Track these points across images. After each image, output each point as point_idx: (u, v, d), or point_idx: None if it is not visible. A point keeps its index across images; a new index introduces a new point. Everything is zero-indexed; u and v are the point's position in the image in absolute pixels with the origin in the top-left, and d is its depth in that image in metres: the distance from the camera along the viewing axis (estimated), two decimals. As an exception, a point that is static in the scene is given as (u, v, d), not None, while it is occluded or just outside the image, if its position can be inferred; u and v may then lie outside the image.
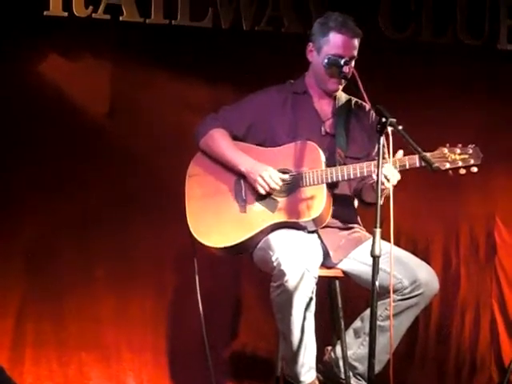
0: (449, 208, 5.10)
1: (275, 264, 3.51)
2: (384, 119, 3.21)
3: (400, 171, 3.50)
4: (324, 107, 3.89)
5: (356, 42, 3.76)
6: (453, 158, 3.49)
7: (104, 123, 4.76)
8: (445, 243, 5.18)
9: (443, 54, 5.10)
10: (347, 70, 3.69)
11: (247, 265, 3.97)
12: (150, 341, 4.79)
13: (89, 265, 4.71)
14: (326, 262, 3.74)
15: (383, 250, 3.20)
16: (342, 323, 3.77)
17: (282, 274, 3.48)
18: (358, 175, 3.63)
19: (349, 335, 3.76)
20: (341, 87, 3.85)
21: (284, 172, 3.73)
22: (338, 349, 3.78)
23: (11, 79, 4.60)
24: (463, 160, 3.49)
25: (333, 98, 3.90)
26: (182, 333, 4.75)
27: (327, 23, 3.77)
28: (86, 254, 4.71)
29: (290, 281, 3.47)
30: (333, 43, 3.74)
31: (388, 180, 3.40)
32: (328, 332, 3.87)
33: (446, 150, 3.51)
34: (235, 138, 3.87)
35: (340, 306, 3.80)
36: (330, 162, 3.71)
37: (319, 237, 3.75)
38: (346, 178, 3.65)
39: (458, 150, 3.51)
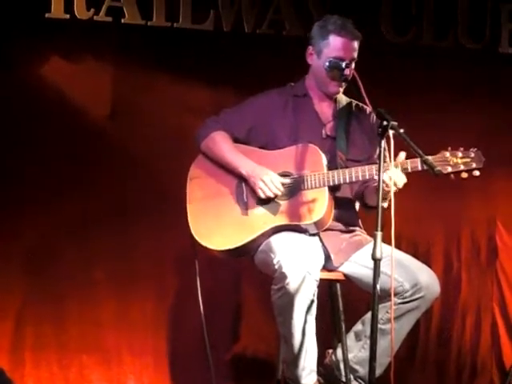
0: (450, 211, 5.11)
1: (276, 267, 3.51)
2: (385, 123, 3.21)
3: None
4: (324, 110, 3.89)
5: (356, 44, 3.76)
6: (455, 161, 3.49)
7: (105, 125, 4.77)
8: (446, 246, 5.18)
9: (444, 58, 5.11)
10: (348, 73, 3.69)
11: (248, 267, 3.97)
12: (151, 344, 4.79)
13: (89, 267, 4.71)
14: (327, 265, 3.74)
15: (384, 253, 3.20)
16: (343, 326, 3.77)
17: (284, 276, 3.47)
18: (360, 178, 3.63)
19: (350, 338, 3.76)
20: (341, 90, 3.85)
21: (285, 175, 3.73)
22: (339, 352, 3.78)
23: (13, 81, 4.60)
24: (465, 164, 3.49)
25: (333, 100, 3.89)
26: (183, 335, 4.75)
27: (326, 26, 3.77)
28: (87, 256, 4.71)
29: (292, 283, 3.47)
30: (333, 46, 3.74)
31: (395, 183, 3.41)
32: (329, 335, 3.86)
33: (447, 154, 3.51)
34: (236, 140, 3.87)
35: (341, 308, 3.80)
36: (332, 165, 3.71)
37: (320, 240, 3.75)
38: (347, 181, 3.65)
39: (460, 154, 3.51)
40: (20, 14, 4.58)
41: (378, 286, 3.18)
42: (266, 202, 3.72)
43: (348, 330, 3.78)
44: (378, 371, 3.44)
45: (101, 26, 4.70)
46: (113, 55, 4.74)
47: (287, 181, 3.71)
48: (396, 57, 5.02)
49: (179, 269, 4.76)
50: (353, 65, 3.74)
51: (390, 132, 3.20)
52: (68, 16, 4.64)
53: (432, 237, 5.15)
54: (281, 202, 3.71)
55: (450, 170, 3.49)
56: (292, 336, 3.55)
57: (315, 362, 3.65)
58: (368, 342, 3.43)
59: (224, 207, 3.78)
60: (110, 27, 4.72)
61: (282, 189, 3.69)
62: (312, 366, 3.63)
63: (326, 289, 3.82)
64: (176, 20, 4.79)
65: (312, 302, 3.53)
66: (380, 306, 3.36)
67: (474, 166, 3.49)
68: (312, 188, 3.66)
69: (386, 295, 3.40)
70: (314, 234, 3.73)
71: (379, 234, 3.19)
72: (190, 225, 3.79)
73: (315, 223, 3.66)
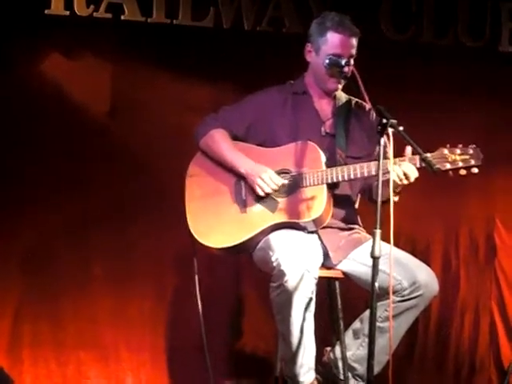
0: (449, 209, 5.11)
1: (275, 264, 3.51)
2: (384, 120, 3.21)
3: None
4: (324, 107, 3.88)
5: (354, 40, 3.75)
6: (453, 158, 3.49)
7: (105, 123, 4.77)
8: (445, 244, 5.18)
9: (444, 56, 5.10)
10: (347, 70, 3.69)
11: (247, 265, 3.98)
12: (149, 340, 4.80)
13: (87, 265, 4.72)
14: (326, 263, 3.74)
15: (383, 251, 3.20)
16: (342, 324, 3.77)
17: (282, 274, 3.47)
18: (359, 176, 3.63)
19: (348, 336, 3.76)
20: (340, 86, 3.84)
21: (284, 172, 3.73)
22: (338, 350, 3.78)
23: (12, 78, 4.61)
24: (464, 161, 3.49)
25: (332, 97, 3.89)
26: (181, 333, 4.75)
27: (324, 23, 3.77)
28: (84, 253, 4.72)
29: (290, 281, 3.46)
30: (331, 43, 3.74)
31: (407, 177, 3.44)
32: (327, 333, 3.86)
33: (446, 151, 3.51)
34: (235, 137, 3.86)
35: (339, 306, 3.80)
36: (331, 163, 3.70)
37: (319, 237, 3.74)
38: (346, 178, 3.64)
39: (459, 151, 3.51)
40: (20, 10, 4.58)
41: (377, 284, 3.18)
42: (264, 199, 3.72)
43: (346, 327, 3.77)
44: (377, 369, 3.43)
45: (100, 22, 4.70)
46: (112, 52, 4.74)
47: (285, 181, 3.71)
48: (396, 54, 5.02)
49: (178, 266, 4.76)
50: (352, 61, 3.73)
51: (390, 130, 3.20)
52: (68, 12, 4.64)
53: (431, 235, 5.16)
54: (279, 200, 3.71)
55: (448, 166, 3.49)
56: (290, 333, 3.55)
57: (313, 359, 3.64)
58: (366, 339, 3.43)
59: (223, 205, 3.77)
60: (110, 24, 4.72)
61: (280, 185, 3.69)
62: (310, 363, 3.63)
63: (325, 286, 3.82)
64: (176, 17, 4.79)
65: (310, 299, 3.53)
66: (378, 304, 3.38)
67: (472, 162, 3.49)
68: (311, 185, 3.66)
69: (384, 293, 3.41)
70: (312, 232, 3.72)
71: (378, 232, 3.18)
72: (189, 223, 3.79)
73: (314, 221, 3.66)
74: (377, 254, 3.18)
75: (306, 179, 3.67)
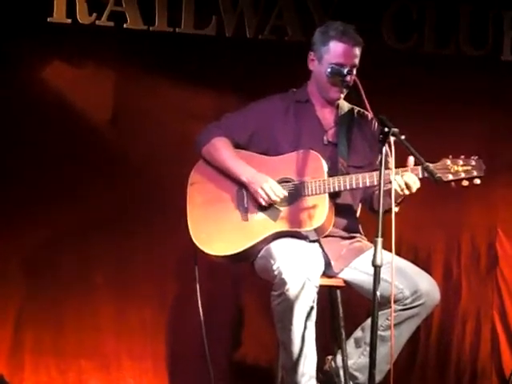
0: (450, 218, 5.10)
1: (276, 273, 3.51)
2: (386, 129, 3.21)
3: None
4: (326, 116, 3.89)
5: (357, 50, 3.76)
6: (455, 169, 3.50)
7: (106, 130, 4.77)
8: (446, 253, 5.17)
9: (446, 65, 5.10)
10: (350, 79, 3.70)
11: (248, 273, 3.97)
12: (150, 348, 4.79)
13: (89, 272, 4.72)
14: (328, 271, 3.74)
15: (384, 259, 3.20)
16: (343, 333, 3.77)
17: (283, 282, 3.47)
18: (361, 185, 3.63)
19: (349, 345, 3.75)
20: (342, 96, 3.85)
21: (286, 181, 3.73)
22: (339, 358, 3.77)
23: (14, 85, 4.61)
24: (466, 172, 3.50)
25: (335, 106, 3.89)
26: (183, 341, 4.74)
27: (328, 32, 3.77)
28: (86, 261, 4.71)
29: (291, 290, 3.46)
30: (333, 52, 3.74)
31: (408, 188, 3.44)
32: (328, 341, 3.86)
33: (448, 162, 3.52)
34: (237, 145, 3.87)
35: (341, 315, 3.79)
36: (333, 172, 3.71)
37: (321, 246, 3.74)
38: (348, 187, 3.65)
39: (461, 162, 3.51)
40: (22, 17, 4.58)
41: (378, 293, 3.18)
42: (266, 208, 3.72)
43: (348, 336, 3.77)
44: (378, 378, 3.44)
45: (103, 30, 4.70)
46: (115, 60, 4.74)
47: (286, 191, 3.70)
48: (397, 63, 5.02)
49: (179, 274, 4.75)
50: (354, 71, 3.74)
51: (391, 139, 3.20)
52: (70, 20, 4.64)
53: (432, 244, 5.15)
54: (281, 208, 3.71)
55: (450, 177, 3.49)
56: (291, 342, 3.55)
57: (315, 368, 3.63)
58: (368, 348, 3.43)
59: (224, 213, 3.77)
60: (112, 32, 4.72)
61: (282, 196, 3.69)
62: (311, 372, 3.62)
63: (326, 295, 3.82)
64: (178, 25, 4.79)
65: (312, 308, 3.53)
66: (380, 312, 3.36)
67: (474, 174, 3.50)
68: (312, 194, 3.66)
69: (386, 302, 3.40)
70: (314, 241, 3.73)
71: (380, 241, 3.18)
72: (190, 230, 3.79)
73: (315, 229, 3.66)
74: (378, 262, 3.18)
75: (307, 188, 3.67)
